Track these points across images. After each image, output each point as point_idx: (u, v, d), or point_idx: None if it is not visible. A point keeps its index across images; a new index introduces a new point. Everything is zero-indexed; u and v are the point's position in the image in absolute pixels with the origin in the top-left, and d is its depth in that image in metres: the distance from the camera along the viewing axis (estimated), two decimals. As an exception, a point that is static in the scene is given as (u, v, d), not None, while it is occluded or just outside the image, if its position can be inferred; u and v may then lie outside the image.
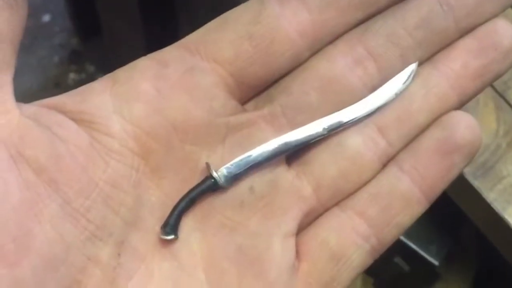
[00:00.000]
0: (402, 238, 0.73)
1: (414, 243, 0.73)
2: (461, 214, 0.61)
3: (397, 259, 0.75)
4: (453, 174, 0.32)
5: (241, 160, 0.31)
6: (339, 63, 0.32)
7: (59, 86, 1.35)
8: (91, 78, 1.35)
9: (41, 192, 0.28)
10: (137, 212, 0.30)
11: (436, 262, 0.73)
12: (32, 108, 0.29)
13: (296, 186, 0.32)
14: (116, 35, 1.19)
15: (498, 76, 0.33)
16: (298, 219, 0.32)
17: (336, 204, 0.33)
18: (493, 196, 0.56)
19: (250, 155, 0.32)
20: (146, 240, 0.30)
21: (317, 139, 0.32)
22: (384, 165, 0.33)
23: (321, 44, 0.33)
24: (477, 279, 0.79)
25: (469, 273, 0.79)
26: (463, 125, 0.32)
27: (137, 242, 0.30)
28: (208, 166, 0.31)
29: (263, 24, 0.32)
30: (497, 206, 0.56)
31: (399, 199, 0.32)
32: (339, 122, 0.32)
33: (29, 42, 1.35)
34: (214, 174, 0.31)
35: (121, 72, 0.32)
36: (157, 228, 0.31)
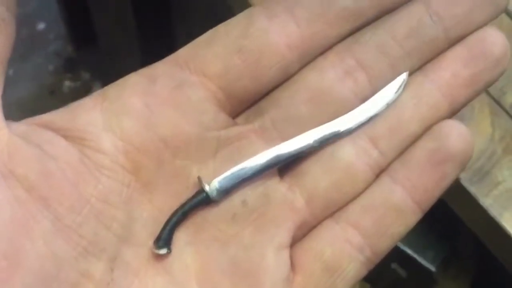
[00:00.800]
0: (399, 244, 0.73)
1: (411, 249, 0.73)
2: (458, 219, 0.61)
3: (394, 265, 0.76)
4: (446, 183, 0.32)
5: (232, 173, 0.31)
6: (329, 74, 0.32)
7: (54, 94, 1.35)
8: (86, 86, 1.36)
9: (32, 209, 0.28)
10: (130, 228, 0.30)
11: (433, 268, 0.73)
12: (21, 126, 0.30)
13: (289, 198, 0.32)
14: (111, 42, 1.19)
15: (489, 85, 0.33)
16: (291, 231, 0.32)
17: (330, 215, 0.33)
18: (489, 201, 0.56)
19: (242, 168, 0.31)
20: (139, 255, 0.30)
21: (309, 150, 0.32)
22: (377, 176, 0.33)
23: (310, 57, 0.33)
24: (474, 285, 0.79)
25: (466, 278, 0.79)
26: (455, 134, 0.32)
27: (130, 257, 0.30)
28: (199, 179, 0.31)
29: (252, 38, 0.32)
30: (493, 211, 0.56)
31: (393, 209, 0.32)
32: (331, 133, 0.32)
33: (24, 50, 1.35)
34: (206, 188, 0.31)
35: (111, 89, 0.32)
36: (150, 243, 0.31)
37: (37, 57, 1.38)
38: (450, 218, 0.63)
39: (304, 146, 0.32)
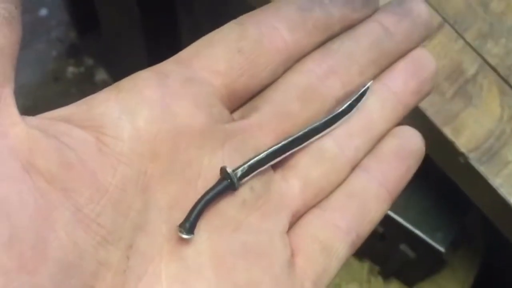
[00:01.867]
0: (407, 225, 0.74)
1: (419, 230, 0.73)
2: (467, 200, 0.61)
3: (403, 247, 0.76)
4: (409, 175, 0.38)
5: (251, 163, 0.33)
6: (311, 75, 0.36)
7: (58, 80, 1.35)
8: (90, 72, 1.36)
9: (54, 201, 0.28)
10: (145, 215, 0.31)
11: (442, 249, 0.73)
12: (38, 120, 0.30)
13: (284, 187, 0.35)
14: (114, 28, 1.19)
15: (428, 94, 0.39)
16: (289, 217, 0.34)
17: (315, 205, 0.36)
18: (499, 181, 0.57)
19: (259, 158, 0.34)
20: (153, 243, 0.31)
21: (302, 143, 0.36)
22: (352, 169, 0.37)
23: (292, 61, 0.36)
24: (484, 265, 0.79)
25: (475, 259, 0.79)
26: (413, 136, 0.38)
27: (145, 245, 0.31)
28: (223, 169, 0.32)
29: (249, 39, 0.35)
30: (503, 191, 0.56)
31: (372, 197, 0.36)
32: (319, 127, 0.36)
33: (27, 37, 1.35)
34: (233, 177, 0.32)
35: (124, 82, 0.32)
36: (164, 230, 0.31)
37: (40, 43, 1.38)
38: (459, 199, 0.63)
39: (300, 140, 0.35)
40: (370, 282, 0.80)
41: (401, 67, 0.38)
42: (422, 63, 0.39)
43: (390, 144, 0.37)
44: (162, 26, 1.06)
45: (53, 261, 0.27)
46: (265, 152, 0.34)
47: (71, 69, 1.36)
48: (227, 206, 0.32)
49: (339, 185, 0.36)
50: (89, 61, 1.37)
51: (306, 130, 0.35)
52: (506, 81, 0.60)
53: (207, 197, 0.32)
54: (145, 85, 0.32)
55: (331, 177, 0.36)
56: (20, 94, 1.30)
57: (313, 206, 0.35)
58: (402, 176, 0.37)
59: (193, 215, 0.31)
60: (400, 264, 0.77)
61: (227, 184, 0.32)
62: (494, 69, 0.61)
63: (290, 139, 0.35)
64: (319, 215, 0.35)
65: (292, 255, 0.34)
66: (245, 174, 0.33)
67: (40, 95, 1.31)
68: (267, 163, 0.34)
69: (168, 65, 0.34)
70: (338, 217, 0.35)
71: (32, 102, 1.29)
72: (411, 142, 0.38)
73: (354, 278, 0.80)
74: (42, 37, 1.38)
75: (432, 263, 0.77)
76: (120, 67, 1.22)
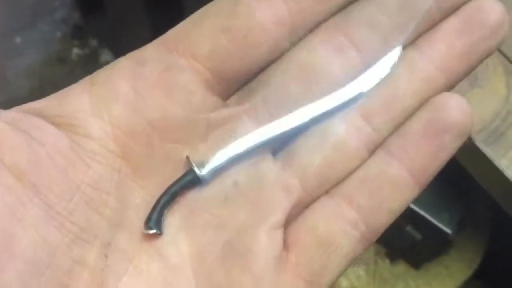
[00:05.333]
0: (413, 206, 0.73)
1: (426, 211, 0.73)
2: (473, 181, 0.61)
3: (409, 228, 0.76)
4: (444, 157, 0.32)
5: (222, 152, 0.31)
6: (319, 51, 0.32)
7: (63, 61, 1.34)
8: (94, 53, 1.35)
9: (22, 197, 0.27)
10: (122, 213, 0.30)
11: (448, 230, 0.73)
12: (10, 114, 0.29)
13: (283, 178, 0.32)
14: (118, 8, 1.18)
15: (488, 55, 0.32)
16: (285, 211, 0.32)
17: (325, 192, 0.32)
18: (505, 163, 0.56)
19: (232, 147, 0.31)
20: (132, 241, 0.30)
21: (301, 128, 0.32)
22: (372, 152, 0.32)
23: (300, 34, 0.32)
24: (490, 247, 0.79)
25: (482, 240, 0.79)
26: (453, 106, 0.31)
27: (123, 243, 0.30)
28: (188, 159, 0.31)
29: (238, 16, 0.31)
30: (509, 173, 0.56)
31: (388, 184, 0.31)
32: (323, 108, 0.32)
33: (31, 18, 1.34)
34: (194, 167, 0.31)
35: (100, 73, 0.31)
36: (142, 227, 0.30)
37: (44, 24, 1.37)
38: (465, 180, 0.63)
39: (296, 124, 0.32)
40: (377, 264, 0.80)
41: (446, 26, 0.32)
42: (479, 17, 0.31)
43: (419, 118, 0.32)
44: (166, 6, 1.06)
45: (21, 259, 0.27)
46: (243, 140, 0.31)
47: (75, 51, 1.36)
48: (209, 203, 0.31)
49: (352, 171, 0.32)
50: (94, 42, 1.37)
51: (300, 110, 0.32)
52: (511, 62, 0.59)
53: (171, 190, 0.31)
54: (119, 77, 0.31)
55: (337, 164, 0.32)
56: (25, 75, 1.31)
57: (323, 193, 0.32)
58: (433, 157, 0.31)
59: (155, 211, 0.30)
60: (406, 246, 0.77)
61: (191, 178, 0.31)
62: (499, 50, 0.60)
63: (279, 123, 0.32)
64: (324, 204, 0.32)
65: (287, 250, 0.32)
66: (216, 164, 0.31)
67: (45, 77, 1.31)
68: (245, 151, 0.31)
69: (150, 49, 0.32)
70: (344, 207, 0.32)
71: (38, 84, 1.29)
72: (450, 113, 0.31)
73: (361, 260, 0.80)
74: (46, 18, 1.38)
75: (438, 244, 0.77)
76: (124, 48, 1.21)
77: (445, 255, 0.79)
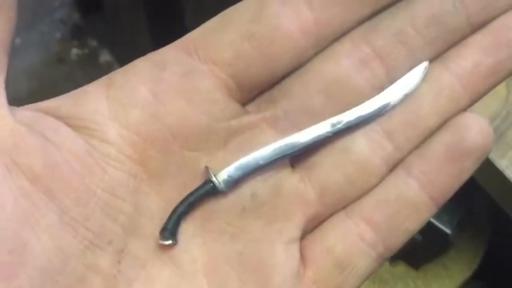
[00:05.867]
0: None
1: (425, 212, 0.73)
2: (473, 181, 0.60)
3: (409, 229, 0.75)
4: (463, 179, 0.32)
5: (241, 163, 0.31)
6: (344, 63, 0.31)
7: (62, 62, 1.34)
8: (94, 53, 1.35)
9: (37, 202, 0.27)
10: (137, 219, 0.30)
11: (448, 231, 0.73)
12: (26, 112, 0.29)
13: (300, 190, 0.31)
14: (118, 8, 1.18)
15: (510, 74, 0.31)
16: (302, 224, 0.31)
17: (342, 208, 0.32)
18: (504, 163, 0.56)
19: (252, 158, 0.31)
20: (146, 247, 0.30)
21: (322, 141, 0.31)
22: (391, 170, 0.32)
23: (325, 43, 0.31)
24: (490, 247, 0.79)
25: (482, 241, 0.79)
26: (475, 129, 0.31)
27: (137, 249, 0.30)
28: (207, 169, 0.31)
29: (264, 23, 0.30)
30: (509, 173, 0.56)
31: (407, 205, 0.31)
32: (345, 122, 0.31)
33: (30, 19, 1.34)
34: (213, 178, 0.30)
35: (118, 75, 0.31)
36: (157, 235, 0.30)
37: (43, 25, 1.37)
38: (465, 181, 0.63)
39: (317, 137, 0.31)
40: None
41: (474, 42, 0.31)
42: (507, 34, 0.31)
43: (441, 141, 0.31)
44: (165, 6, 1.06)
45: (33, 265, 0.26)
46: (264, 151, 0.31)
47: (75, 51, 1.36)
48: (225, 212, 0.31)
49: (372, 188, 0.32)
50: (93, 43, 1.37)
51: (323, 123, 0.31)
52: None
53: (188, 201, 0.30)
54: (139, 80, 0.30)
55: (357, 181, 0.31)
56: (25, 76, 1.31)
57: (340, 209, 0.32)
58: (452, 179, 0.31)
59: (171, 221, 0.30)
60: (406, 247, 0.77)
61: (209, 188, 0.30)
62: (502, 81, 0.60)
63: (300, 135, 0.31)
64: (342, 222, 0.32)
65: (304, 266, 0.31)
66: (235, 175, 0.31)
67: (45, 77, 1.31)
68: (265, 163, 0.31)
69: (169, 52, 0.31)
70: (363, 227, 0.31)
71: (38, 84, 1.29)
72: (472, 137, 0.31)
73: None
74: (46, 18, 1.37)
75: (438, 245, 0.77)
76: (124, 48, 1.22)
77: (444, 256, 0.79)
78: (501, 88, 0.58)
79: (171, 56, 0.31)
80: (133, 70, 0.31)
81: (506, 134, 0.57)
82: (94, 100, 0.30)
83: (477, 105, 0.57)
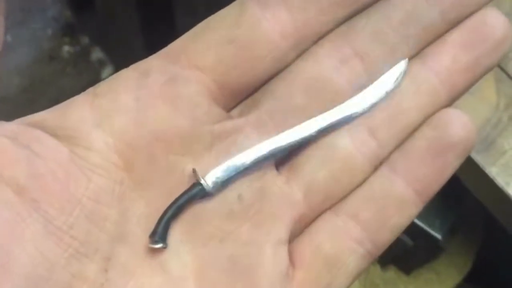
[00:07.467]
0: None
1: (417, 217, 0.73)
2: (464, 187, 0.61)
3: (400, 234, 0.75)
4: (448, 173, 0.32)
5: (228, 165, 0.31)
6: (324, 64, 0.32)
7: (54, 59, 1.34)
8: (86, 50, 1.35)
9: (22, 212, 0.27)
10: (123, 226, 0.30)
11: (439, 236, 0.73)
12: (10, 126, 0.29)
13: (286, 192, 0.32)
14: (109, 6, 1.18)
15: (490, 69, 0.32)
16: (289, 226, 0.32)
17: (329, 208, 0.32)
18: (495, 170, 0.56)
19: (238, 160, 0.31)
20: (134, 254, 0.30)
21: (306, 141, 0.32)
22: (376, 167, 0.32)
23: (305, 45, 0.32)
24: (481, 253, 0.79)
25: (473, 246, 0.79)
26: (456, 123, 0.31)
27: (125, 257, 0.30)
28: (195, 172, 0.31)
29: (244, 27, 0.31)
30: (500, 180, 0.56)
31: (393, 201, 0.32)
32: (329, 121, 0.31)
33: (22, 16, 1.34)
34: (201, 180, 0.31)
35: (103, 85, 0.31)
36: (145, 241, 0.30)
37: (35, 22, 1.37)
38: (456, 187, 0.63)
39: (301, 137, 0.31)
40: (367, 269, 0.80)
41: (450, 39, 0.32)
42: (483, 30, 0.31)
43: (423, 136, 0.32)
44: (157, 4, 1.05)
45: (18, 275, 0.27)
46: (250, 152, 0.31)
47: (66, 48, 1.35)
48: (213, 216, 0.31)
49: (358, 186, 0.32)
50: (85, 40, 1.36)
51: (306, 123, 0.32)
52: (502, 69, 0.59)
53: (177, 203, 0.30)
54: (123, 89, 0.31)
55: (343, 179, 0.32)
56: (16, 73, 1.30)
57: (327, 208, 0.32)
58: (437, 174, 0.32)
59: (161, 225, 0.30)
60: (397, 252, 0.77)
61: (198, 190, 0.31)
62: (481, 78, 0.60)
63: (285, 135, 0.31)
64: (330, 221, 0.32)
65: (293, 267, 0.32)
66: (222, 177, 0.31)
67: (36, 75, 1.30)
68: (252, 164, 0.31)
69: (153, 61, 0.32)
70: (350, 224, 0.31)
71: (29, 81, 1.28)
72: (453, 131, 0.31)
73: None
74: (37, 16, 1.37)
75: (429, 250, 0.77)
76: (116, 46, 1.21)
77: (435, 261, 0.79)
78: (491, 95, 0.58)
79: (154, 64, 0.31)
80: (117, 79, 0.31)
81: (496, 141, 0.57)
82: (78, 109, 0.30)
83: (467, 111, 0.57)
